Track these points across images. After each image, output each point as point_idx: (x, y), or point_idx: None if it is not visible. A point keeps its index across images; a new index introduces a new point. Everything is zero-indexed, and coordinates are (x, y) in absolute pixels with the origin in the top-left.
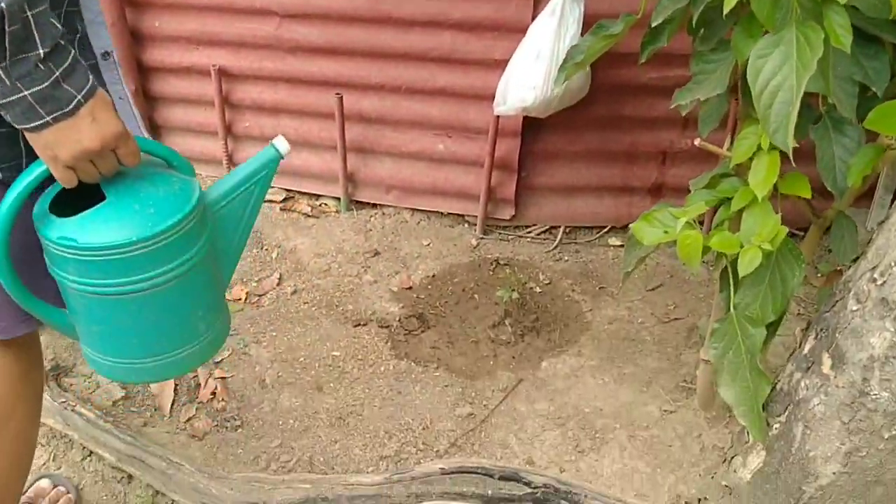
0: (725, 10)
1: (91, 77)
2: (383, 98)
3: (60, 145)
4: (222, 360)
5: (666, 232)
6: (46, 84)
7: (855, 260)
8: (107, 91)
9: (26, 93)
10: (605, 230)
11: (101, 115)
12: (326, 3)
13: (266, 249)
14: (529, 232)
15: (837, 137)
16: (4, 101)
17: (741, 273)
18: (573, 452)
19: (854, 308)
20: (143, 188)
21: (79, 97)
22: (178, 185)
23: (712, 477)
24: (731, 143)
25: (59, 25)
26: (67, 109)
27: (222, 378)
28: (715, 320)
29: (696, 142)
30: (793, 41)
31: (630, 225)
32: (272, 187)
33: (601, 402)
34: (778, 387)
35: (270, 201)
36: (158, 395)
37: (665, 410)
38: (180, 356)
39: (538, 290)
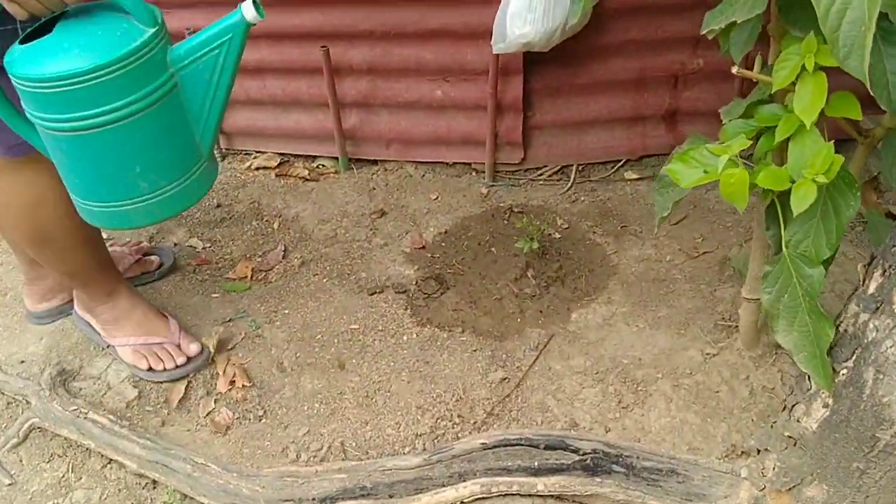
0: None
1: None
2: (372, 46)
3: None
4: (235, 345)
5: (706, 171)
6: None
7: None
8: None
9: None
10: (620, 164)
11: None
12: None
13: (266, 220)
14: (541, 174)
15: (889, 49)
16: None
17: (795, 211)
18: (617, 409)
19: None
20: (89, 28)
21: None
22: (124, 28)
23: (771, 426)
24: (763, 65)
25: None
26: None
27: (240, 365)
28: (766, 262)
29: (734, 69)
30: None
31: (644, 157)
32: (264, 153)
33: (639, 351)
34: (841, 329)
35: (265, 168)
36: (170, 389)
37: (707, 354)
38: (150, 202)
39: (557, 235)
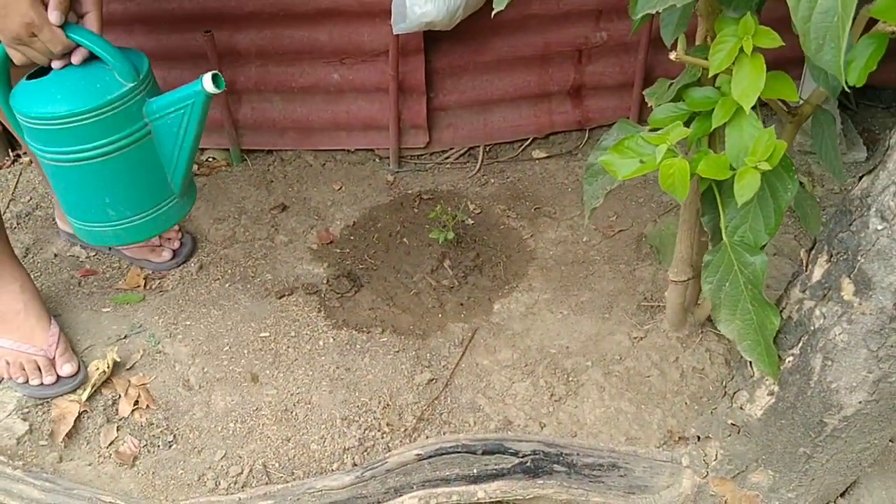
0: None
1: None
2: (261, 29)
3: None
4: (134, 364)
5: (643, 161)
6: None
7: (870, 172)
8: None
9: None
10: (527, 143)
11: (12, 7)
12: None
13: None
14: (447, 157)
15: None
16: None
17: (740, 201)
18: (550, 403)
19: (879, 227)
20: (77, 77)
21: None
22: (106, 81)
23: (711, 412)
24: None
25: None
26: None
27: (142, 385)
28: (707, 252)
29: (672, 55)
30: None
31: (551, 135)
32: None
33: (566, 340)
34: (784, 316)
35: None
36: (57, 420)
37: (634, 337)
38: (118, 227)
39: (470, 221)
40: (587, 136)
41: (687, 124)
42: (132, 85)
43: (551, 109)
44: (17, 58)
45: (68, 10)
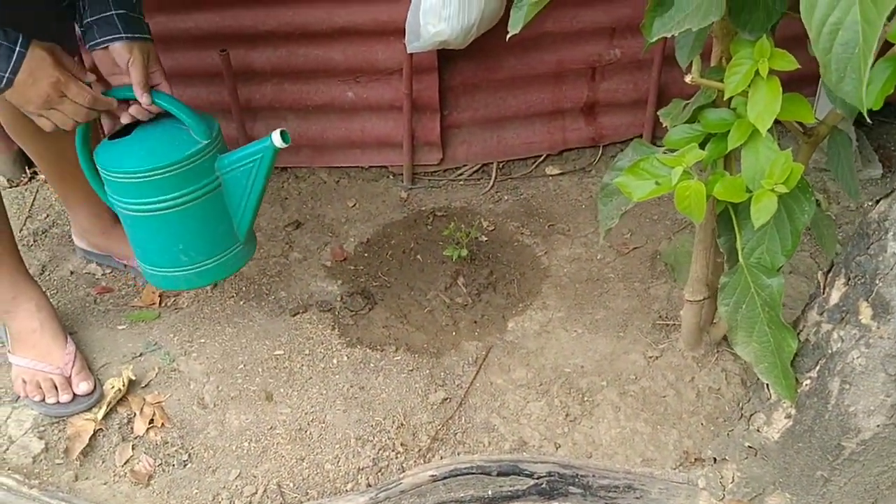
0: None
1: (13, 56)
2: (276, 47)
3: (20, 104)
4: (149, 382)
5: (658, 183)
6: None
7: (887, 196)
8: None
9: None
10: (541, 159)
11: (38, 73)
12: None
13: None
14: (461, 174)
15: None
16: None
17: (756, 224)
18: (565, 423)
19: None
20: (156, 135)
21: (6, 76)
22: (182, 139)
23: (728, 434)
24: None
25: None
26: (2, 87)
27: (157, 403)
28: (724, 273)
29: (688, 78)
30: None
31: (564, 151)
32: None
33: (580, 359)
34: (801, 338)
35: None
36: (73, 438)
37: (650, 357)
38: (190, 272)
39: (484, 238)
40: (601, 152)
41: (702, 146)
42: (206, 142)
43: (565, 126)
44: (46, 125)
45: (148, 84)
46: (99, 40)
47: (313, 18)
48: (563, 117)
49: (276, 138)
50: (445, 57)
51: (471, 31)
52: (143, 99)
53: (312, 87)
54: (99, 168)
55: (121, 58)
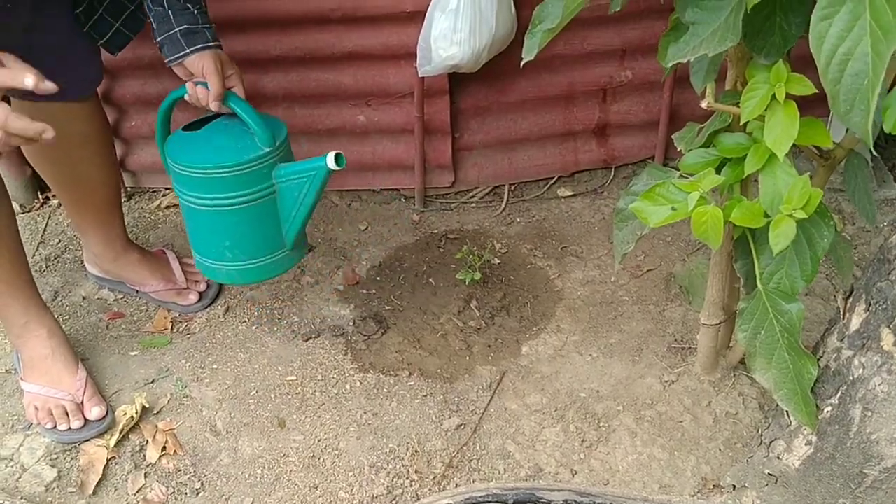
0: None
1: None
2: (287, 72)
3: None
4: (162, 408)
5: (674, 209)
6: None
7: None
8: None
9: None
10: (553, 181)
11: None
12: None
13: (182, 260)
14: (472, 196)
15: None
16: None
17: (775, 250)
18: (581, 449)
19: None
20: (224, 135)
21: None
22: (247, 143)
23: (747, 461)
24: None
25: None
26: None
27: (170, 431)
28: (742, 299)
29: (703, 104)
30: None
31: (576, 173)
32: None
33: (596, 383)
34: (822, 365)
35: (175, 206)
36: (86, 469)
37: (666, 381)
38: (232, 268)
39: (497, 261)
40: (613, 174)
41: (718, 170)
42: (268, 150)
43: (576, 148)
44: None
45: (221, 91)
46: (171, 58)
47: (324, 43)
48: (575, 139)
49: (330, 160)
50: (457, 79)
51: (482, 55)
52: (213, 106)
53: (324, 110)
54: (166, 156)
55: (195, 69)
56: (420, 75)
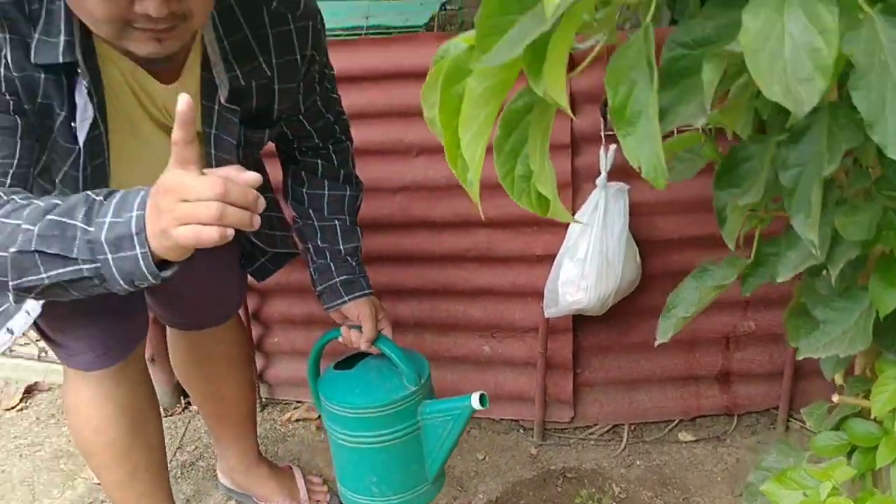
0: None
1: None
2: (420, 301)
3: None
4: None
5: (806, 495)
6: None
7: None
8: None
9: None
10: (674, 424)
11: (165, 184)
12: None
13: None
14: (592, 433)
15: None
16: None
17: None
18: None
19: None
20: (372, 376)
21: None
22: (394, 384)
23: None
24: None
25: None
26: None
27: None
28: None
29: (835, 398)
30: None
31: (697, 417)
32: (304, 402)
33: None
34: None
35: (305, 420)
36: None
37: None
38: (403, 499)
39: None
40: (736, 421)
41: (849, 454)
42: (414, 389)
43: (699, 393)
44: (188, 238)
45: (374, 335)
46: (330, 305)
47: (457, 278)
48: (697, 384)
49: (475, 400)
50: (580, 317)
51: (608, 301)
52: (364, 346)
53: (451, 339)
54: (320, 394)
55: (351, 314)
56: (546, 316)
